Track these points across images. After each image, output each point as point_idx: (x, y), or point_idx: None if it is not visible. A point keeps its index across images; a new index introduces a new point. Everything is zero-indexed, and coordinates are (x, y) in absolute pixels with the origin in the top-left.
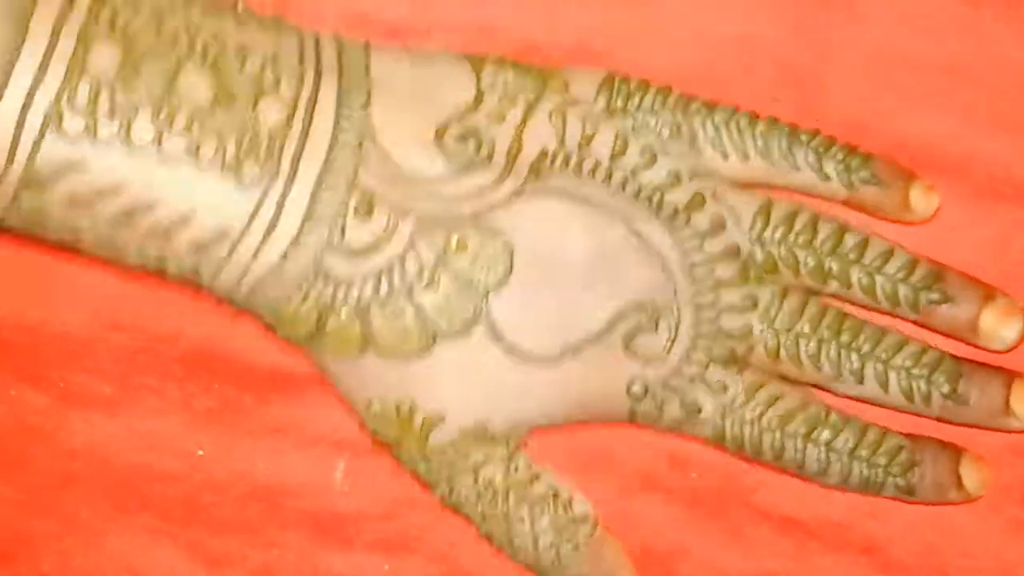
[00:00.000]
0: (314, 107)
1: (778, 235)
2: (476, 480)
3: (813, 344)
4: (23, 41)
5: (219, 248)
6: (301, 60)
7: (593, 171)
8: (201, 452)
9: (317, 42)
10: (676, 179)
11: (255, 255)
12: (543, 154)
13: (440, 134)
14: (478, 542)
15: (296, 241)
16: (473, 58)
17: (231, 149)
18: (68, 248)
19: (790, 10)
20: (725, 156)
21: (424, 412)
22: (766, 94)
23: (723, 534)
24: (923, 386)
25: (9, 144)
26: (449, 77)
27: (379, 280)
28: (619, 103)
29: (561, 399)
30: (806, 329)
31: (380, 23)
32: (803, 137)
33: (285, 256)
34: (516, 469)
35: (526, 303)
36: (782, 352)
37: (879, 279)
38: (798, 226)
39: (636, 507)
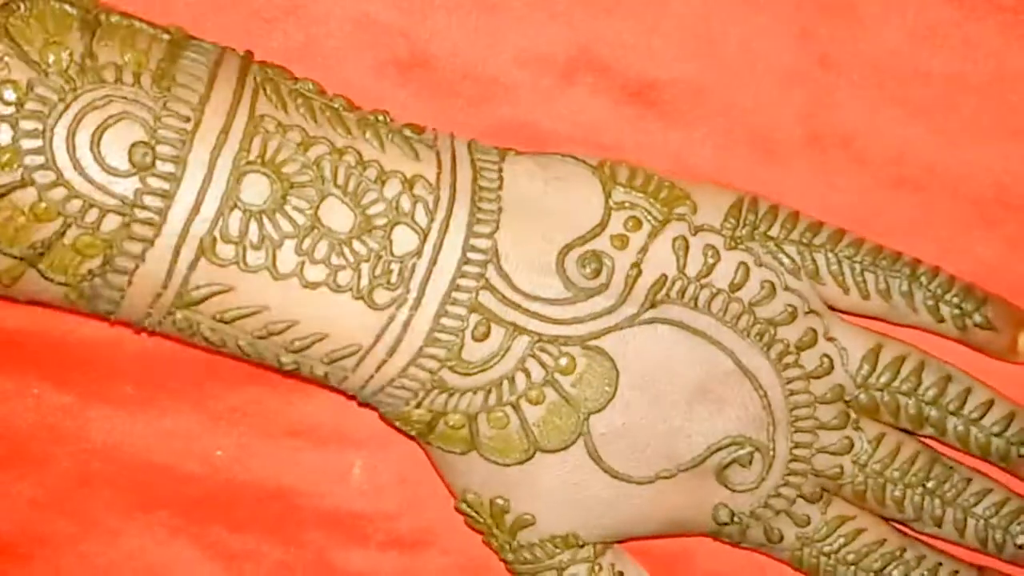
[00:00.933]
0: (445, 234)
1: (883, 380)
2: None
3: (899, 490)
4: (182, 175)
5: (347, 361)
6: (437, 184)
7: (710, 302)
8: (220, 452)
9: (454, 160)
10: (791, 315)
11: (378, 368)
12: (661, 281)
13: (562, 257)
14: None
15: (416, 358)
16: (604, 174)
17: (366, 276)
18: (214, 350)
19: (794, 19)
20: (846, 291)
21: (516, 513)
22: (769, 101)
23: None
24: (998, 535)
25: (166, 270)
26: (579, 196)
27: (489, 392)
28: (745, 231)
29: (649, 517)
30: (895, 475)
31: (386, 25)
32: (923, 279)
33: (405, 370)
34: (599, 568)
35: (626, 426)
36: (868, 494)
37: (974, 430)
38: (904, 373)
39: None
